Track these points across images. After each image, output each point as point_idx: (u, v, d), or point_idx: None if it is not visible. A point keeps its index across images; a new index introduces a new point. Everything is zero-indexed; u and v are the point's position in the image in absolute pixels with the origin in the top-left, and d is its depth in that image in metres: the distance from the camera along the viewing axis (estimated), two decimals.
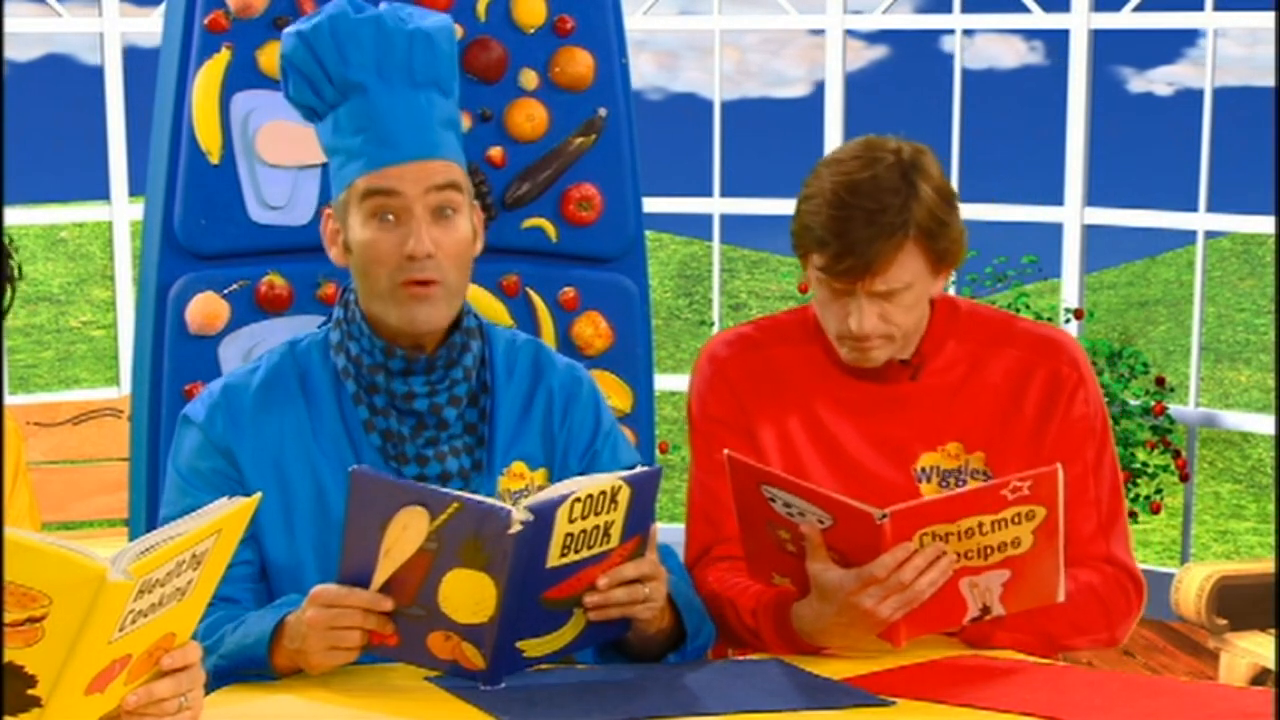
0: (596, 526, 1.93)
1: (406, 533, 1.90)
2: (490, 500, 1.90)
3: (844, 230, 2.21)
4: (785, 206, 3.79)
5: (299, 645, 1.99)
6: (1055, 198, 5.35)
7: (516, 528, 1.86)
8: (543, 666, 2.11)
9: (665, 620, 2.12)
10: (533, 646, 1.98)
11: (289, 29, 2.19)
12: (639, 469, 1.98)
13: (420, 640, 1.95)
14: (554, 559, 1.92)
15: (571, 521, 1.90)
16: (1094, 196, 5.34)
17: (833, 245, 2.22)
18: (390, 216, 2.13)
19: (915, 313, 2.30)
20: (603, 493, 1.91)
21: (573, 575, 1.95)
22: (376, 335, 2.19)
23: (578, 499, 1.89)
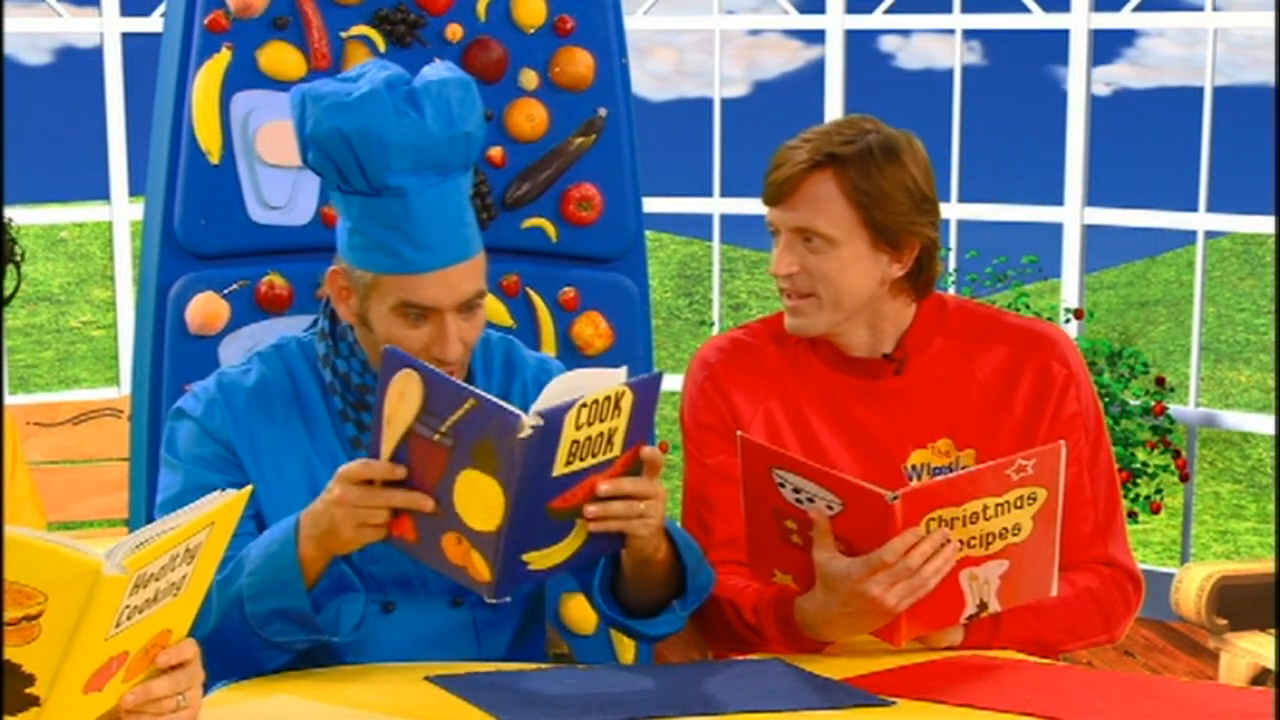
0: (601, 434, 1.96)
1: (404, 400, 1.93)
2: (503, 403, 1.91)
3: (787, 152, 2.30)
4: None
5: (326, 525, 2.02)
6: (1054, 198, 5.35)
7: (526, 432, 1.88)
8: (543, 667, 2.12)
9: (663, 550, 2.14)
10: (537, 559, 2.00)
11: (317, 103, 2.12)
12: (641, 375, 2.00)
13: (435, 539, 1.98)
14: (559, 467, 1.94)
15: (578, 428, 1.92)
16: (1093, 196, 5.34)
17: (771, 167, 2.30)
18: (417, 315, 2.15)
19: (844, 280, 2.29)
20: (608, 398, 1.94)
21: (576, 484, 1.98)
22: (371, 363, 2.21)
23: (584, 404, 1.91)
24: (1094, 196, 5.34)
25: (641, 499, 2.03)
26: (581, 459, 1.96)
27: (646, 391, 1.98)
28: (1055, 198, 5.36)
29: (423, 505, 1.96)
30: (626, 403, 1.96)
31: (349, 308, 2.20)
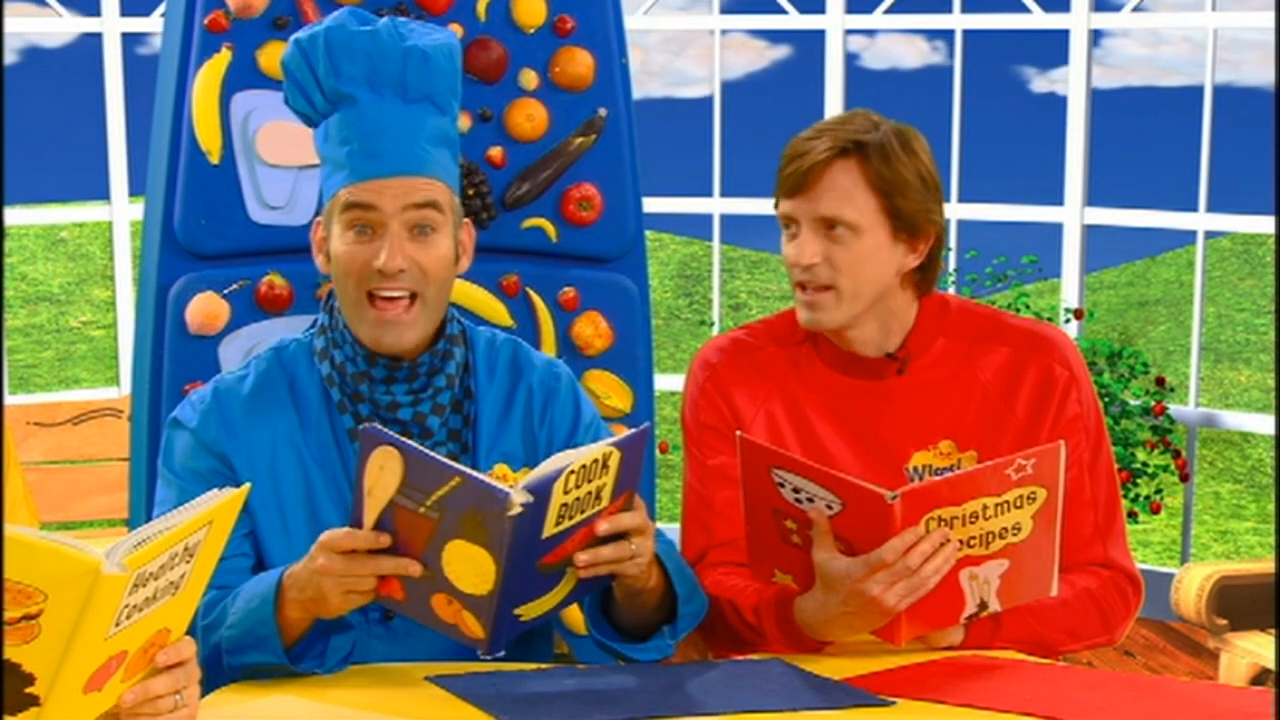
0: (590, 492, 1.95)
1: (383, 473, 1.92)
2: (490, 480, 1.90)
3: (805, 143, 2.29)
4: None
5: (313, 594, 2.00)
6: (1055, 198, 5.36)
7: (516, 510, 1.87)
8: (543, 667, 2.12)
9: (654, 579, 2.13)
10: (528, 610, 2.00)
11: (292, 37, 2.21)
12: (626, 432, 1.99)
13: (424, 599, 1.97)
14: (549, 529, 1.93)
15: (566, 493, 1.92)
16: (1093, 196, 5.34)
17: (788, 159, 2.29)
18: (367, 230, 2.15)
19: (866, 270, 2.29)
20: (595, 461, 1.93)
21: (566, 539, 1.97)
22: (359, 343, 2.20)
23: (572, 471, 1.91)
24: (1093, 196, 5.34)
25: (633, 535, 2.03)
26: (570, 518, 1.96)
27: (633, 448, 1.98)
28: (1045, 198, 5.37)
29: (410, 570, 1.95)
30: (614, 461, 1.96)
31: (324, 257, 2.21)
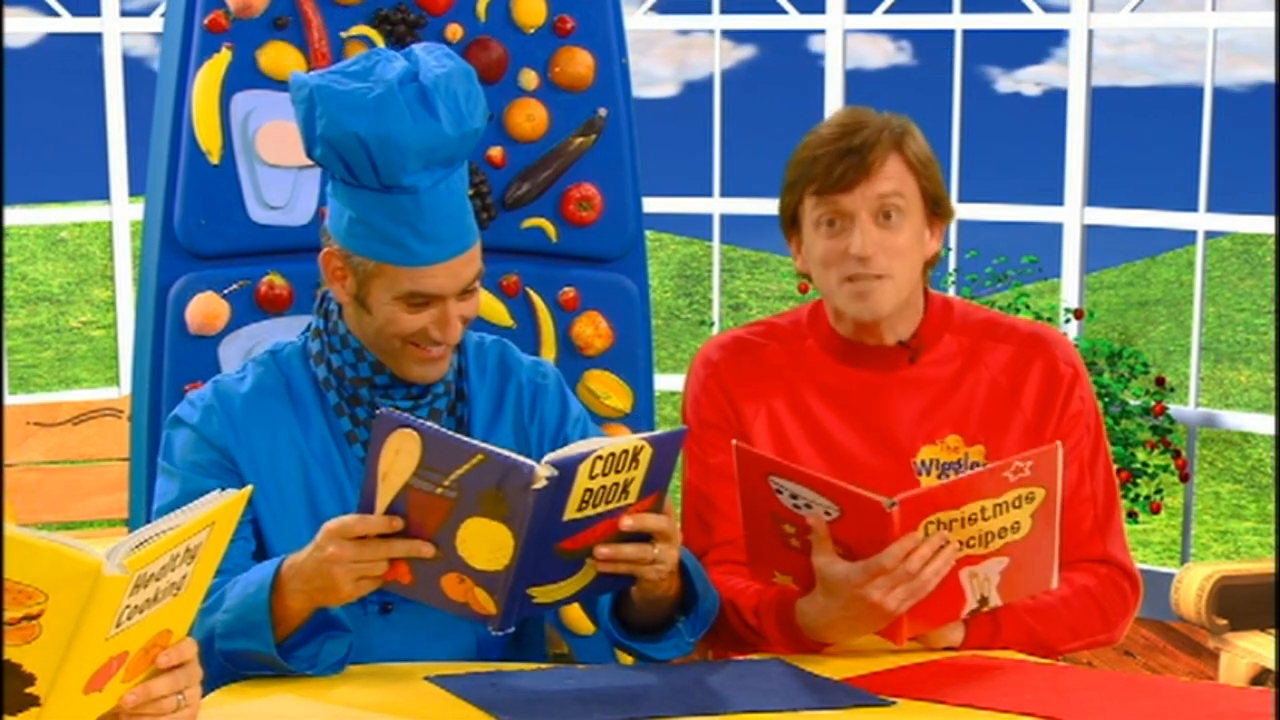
0: (616, 484, 1.95)
1: (399, 456, 1.92)
2: (514, 455, 1.91)
3: (847, 130, 2.29)
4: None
5: (321, 583, 2.00)
6: (1055, 198, 5.35)
7: (540, 484, 1.88)
8: (544, 667, 2.12)
9: (674, 587, 2.13)
10: (543, 593, 2.00)
11: (329, 102, 2.13)
12: (663, 430, 1.99)
13: (433, 580, 1.97)
14: (571, 512, 1.94)
15: (592, 478, 1.92)
16: (1093, 196, 5.34)
17: (834, 147, 2.28)
18: (421, 302, 2.18)
19: (913, 254, 2.31)
20: (625, 451, 1.93)
21: (588, 528, 1.97)
22: (366, 349, 2.21)
23: (600, 456, 1.91)
24: (1093, 196, 5.34)
25: (658, 540, 2.03)
26: (595, 506, 1.96)
27: (666, 447, 1.98)
28: (1054, 198, 5.36)
29: (423, 552, 1.96)
30: (645, 456, 1.96)
31: (344, 288, 2.22)
